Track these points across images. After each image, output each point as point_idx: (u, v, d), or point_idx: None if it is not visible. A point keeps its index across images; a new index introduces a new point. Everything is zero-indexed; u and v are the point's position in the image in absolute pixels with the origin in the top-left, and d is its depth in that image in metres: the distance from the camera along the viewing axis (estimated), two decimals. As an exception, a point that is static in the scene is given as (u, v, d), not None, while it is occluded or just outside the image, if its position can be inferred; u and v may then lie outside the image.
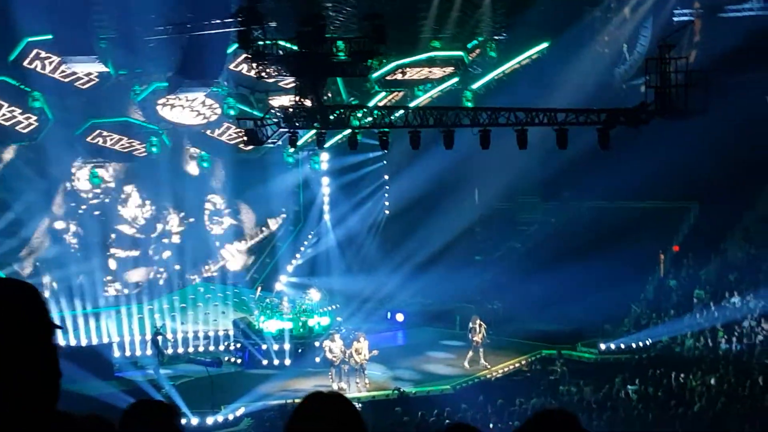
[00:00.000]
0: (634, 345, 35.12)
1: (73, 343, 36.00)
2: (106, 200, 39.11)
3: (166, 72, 34.45)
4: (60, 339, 27.86)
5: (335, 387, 31.26)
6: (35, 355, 3.20)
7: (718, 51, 38.48)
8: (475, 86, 39.39)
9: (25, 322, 3.19)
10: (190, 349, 37.71)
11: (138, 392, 29.31)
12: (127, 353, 36.64)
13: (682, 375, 31.30)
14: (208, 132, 38.87)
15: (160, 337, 35.10)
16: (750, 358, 32.16)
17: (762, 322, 33.78)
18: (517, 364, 35.16)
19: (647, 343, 35.00)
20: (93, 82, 35.09)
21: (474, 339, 34.31)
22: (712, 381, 30.51)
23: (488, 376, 33.84)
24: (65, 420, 4.85)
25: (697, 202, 42.53)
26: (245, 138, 29.81)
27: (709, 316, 35.54)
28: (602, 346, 35.34)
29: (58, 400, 3.24)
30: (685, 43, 38.33)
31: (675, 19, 40.28)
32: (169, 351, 36.34)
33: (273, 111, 29.49)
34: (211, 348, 37.85)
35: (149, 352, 35.52)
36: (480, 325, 34.46)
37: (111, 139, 37.22)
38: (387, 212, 45.91)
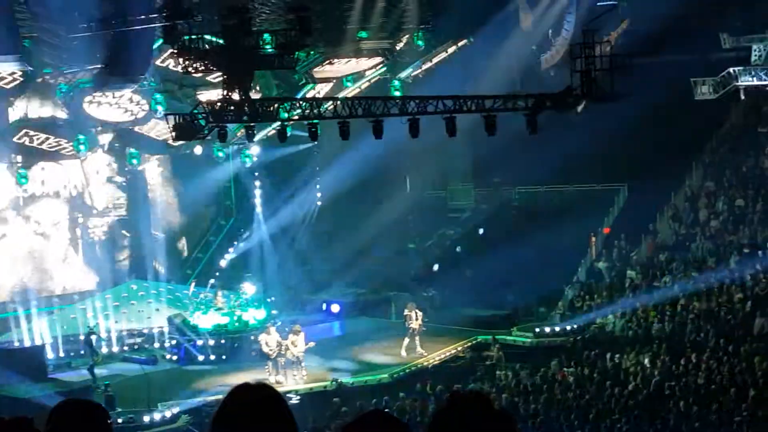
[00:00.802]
0: (568, 328, 35.46)
1: (4, 345, 35.50)
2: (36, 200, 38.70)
3: (92, 69, 34.06)
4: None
5: (272, 380, 31.15)
6: None
7: (641, 34, 38.97)
8: (402, 75, 39.53)
9: None
10: (125, 348, 37.39)
11: (72, 393, 28.99)
12: (61, 354, 36.23)
13: (617, 356, 31.71)
14: (137, 128, 38.52)
15: (93, 337, 34.77)
16: (682, 337, 32.65)
17: (693, 301, 34.28)
18: (453, 351, 35.33)
19: (581, 325, 35.36)
20: (17, 82, 34.58)
21: (410, 326, 34.39)
22: (646, 361, 30.95)
23: (425, 363, 33.97)
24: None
25: (626, 184, 43.02)
26: (175, 133, 29.61)
27: (641, 296, 35.99)
28: (537, 330, 35.64)
29: None
30: (609, 27, 38.70)
31: (599, 3, 40.65)
32: (104, 350, 36.00)
33: (201, 106, 29.31)
34: (146, 346, 37.57)
35: (83, 352, 35.15)
36: (416, 313, 34.58)
37: (38, 139, 36.76)
38: (319, 203, 45.88)
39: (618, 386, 28.69)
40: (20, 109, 36.41)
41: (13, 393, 28.42)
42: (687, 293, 34.79)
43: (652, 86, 35.44)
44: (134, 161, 39.78)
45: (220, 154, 42.21)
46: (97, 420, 4.83)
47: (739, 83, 40.98)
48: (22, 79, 34.45)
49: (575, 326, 35.38)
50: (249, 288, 37.76)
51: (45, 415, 4.93)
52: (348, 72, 38.57)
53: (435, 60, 40.07)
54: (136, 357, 36.00)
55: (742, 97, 41.95)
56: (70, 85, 35.71)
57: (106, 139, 39.03)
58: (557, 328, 35.65)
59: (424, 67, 39.99)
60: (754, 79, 41.15)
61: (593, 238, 41.55)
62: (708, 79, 41.63)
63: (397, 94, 37.43)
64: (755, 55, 41.47)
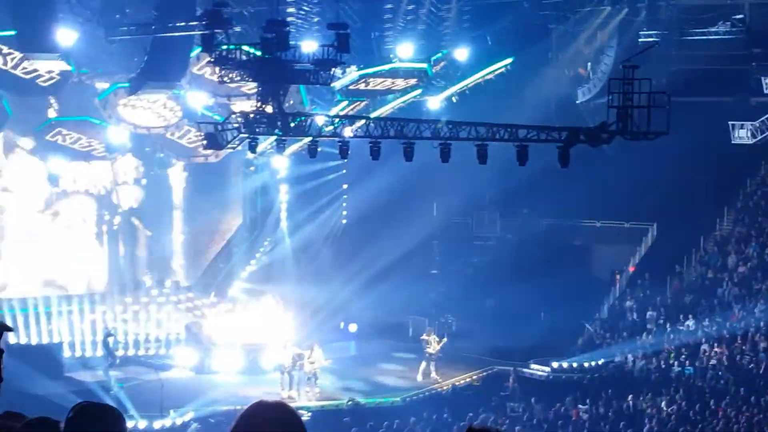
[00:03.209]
0: (586, 364, 35.20)
1: (23, 341, 35.61)
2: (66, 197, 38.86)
3: (129, 72, 34.21)
4: (10, 337, 27.56)
5: (285, 395, 31.13)
6: None
7: (682, 73, 38.77)
8: (437, 99, 39.50)
9: None
10: (141, 352, 37.43)
11: (87, 393, 29.08)
12: (78, 353, 36.33)
13: (633, 396, 31.43)
14: (168, 134, 38.61)
15: (111, 339, 34.80)
16: (702, 382, 32.33)
17: (715, 346, 33.98)
18: (468, 379, 35.19)
19: (599, 363, 35.09)
20: (54, 80, 34.79)
21: (427, 351, 34.29)
22: (663, 404, 30.65)
23: (439, 389, 33.81)
24: (9, 420, 4.74)
25: (655, 224, 42.71)
26: (205, 142, 29.65)
27: (662, 338, 35.72)
28: (554, 365, 35.40)
29: None
30: (649, 64, 38.55)
31: (640, 39, 40.50)
32: (120, 353, 36.02)
33: (234, 116, 29.34)
34: (162, 351, 37.59)
35: (100, 353, 35.20)
36: (434, 338, 34.47)
37: (71, 138, 36.91)
38: (344, 221, 45.84)
39: (632, 428, 28.41)
40: (56, 107, 36.67)
41: (30, 389, 28.45)
42: (710, 338, 34.45)
43: (690, 126, 35.20)
44: (162, 166, 39.85)
45: (252, 168, 42.32)
46: (115, 424, 4.78)
47: (778, 129, 40.69)
48: (59, 77, 34.65)
49: (593, 363, 35.12)
50: (268, 301, 37.69)
51: (57, 414, 4.87)
52: (382, 92, 38.57)
53: (470, 85, 39.98)
54: (151, 362, 36.05)
55: (780, 144, 41.63)
56: (106, 87, 35.94)
57: (136, 142, 39.13)
58: (575, 364, 35.40)
59: (459, 91, 39.92)
60: (794, 126, 40.86)
61: (618, 276, 41.29)
62: (746, 123, 41.36)
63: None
64: (796, 102, 41.18)
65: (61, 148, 36.79)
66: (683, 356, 34.23)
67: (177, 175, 41.40)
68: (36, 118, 36.38)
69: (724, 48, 40.02)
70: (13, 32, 31.93)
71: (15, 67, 33.84)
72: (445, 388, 34.05)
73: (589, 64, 42.40)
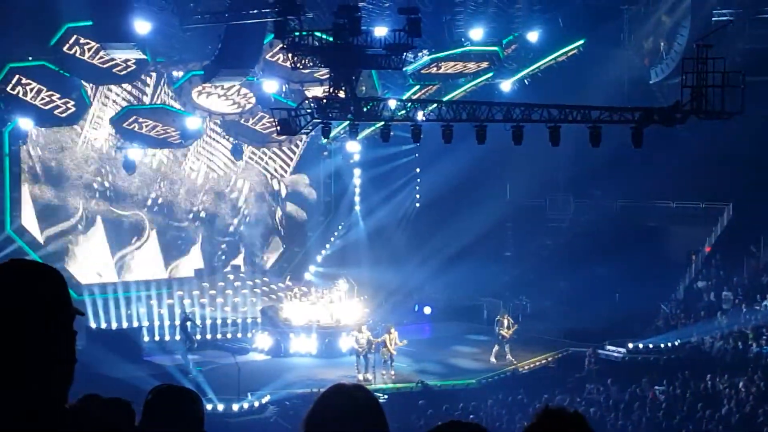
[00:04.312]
0: (662, 345, 34.96)
1: (103, 326, 36.29)
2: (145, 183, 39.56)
3: (203, 60, 34.61)
4: (91, 322, 28.17)
5: (360, 378, 31.35)
6: (52, 339, 3.17)
7: (756, 52, 38.21)
8: (509, 81, 39.39)
9: (43, 305, 3.17)
10: (219, 336, 37.90)
11: (165, 377, 29.47)
12: (156, 338, 36.93)
13: (710, 377, 31.19)
14: (242, 120, 39.01)
15: (189, 323, 35.32)
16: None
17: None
18: (543, 361, 35.13)
19: (676, 343, 34.84)
20: (130, 69, 35.32)
21: (501, 333, 34.32)
22: (741, 384, 30.38)
23: (514, 371, 33.82)
24: (86, 402, 4.95)
25: (731, 204, 42.20)
26: (278, 128, 29.91)
27: (739, 318, 35.36)
28: (630, 345, 35.18)
29: (70, 385, 3.28)
30: (723, 43, 38.10)
31: (714, 18, 39.98)
32: (198, 337, 36.53)
33: (307, 101, 29.56)
34: (239, 335, 38.04)
35: (178, 337, 35.73)
36: (508, 320, 34.50)
37: (147, 126, 37.41)
38: (417, 205, 45.96)
39: (710, 409, 28.21)
40: (132, 95, 37.34)
41: (110, 373, 29.01)
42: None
43: (764, 105, 34.76)
44: (238, 153, 40.26)
45: (325, 153, 42.64)
46: (193, 406, 4.94)
47: None
48: (135, 66, 35.16)
49: (670, 344, 34.86)
50: (343, 285, 37.94)
51: (137, 397, 5.06)
52: (454, 75, 38.52)
53: (542, 67, 39.77)
54: (228, 345, 36.48)
55: None
56: (181, 75, 36.44)
57: (211, 128, 39.61)
58: (651, 345, 35.15)
59: (531, 73, 39.74)
60: None
61: (694, 257, 40.91)
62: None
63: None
64: None
65: (138, 135, 37.34)
66: (762, 337, 33.86)
67: (253, 162, 41.86)
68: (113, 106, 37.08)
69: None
70: (89, 23, 32.46)
71: (92, 56, 34.41)
72: (520, 369, 34.05)
73: (662, 43, 41.95)
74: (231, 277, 40.28)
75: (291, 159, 42.44)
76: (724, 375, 31.33)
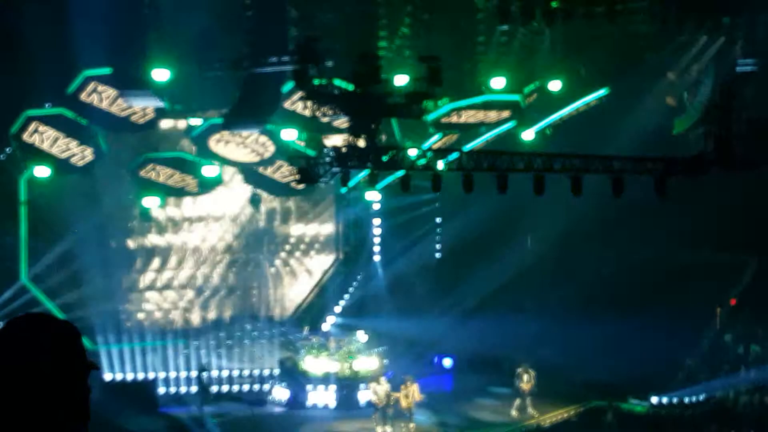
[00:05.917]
0: (687, 400, 34.35)
1: (118, 377, 35.93)
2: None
3: (222, 108, 34.50)
4: (106, 373, 27.91)
5: (380, 430, 30.91)
6: (66, 395, 3.10)
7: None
8: (531, 131, 39.09)
9: (58, 360, 3.11)
10: (235, 387, 37.50)
11: (181, 428, 29.12)
12: (172, 389, 36.53)
13: (736, 432, 30.63)
14: (261, 169, 38.76)
15: (205, 374, 34.91)
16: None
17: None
18: (565, 414, 34.56)
19: (701, 398, 34.23)
20: (148, 117, 35.22)
21: (521, 387, 33.82)
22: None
23: (536, 425, 33.25)
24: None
25: (757, 255, 41.65)
26: (298, 176, 29.69)
27: (765, 373, 34.76)
28: (654, 400, 34.58)
29: None
30: (747, 93, 37.73)
31: (738, 68, 39.61)
32: (214, 388, 36.10)
33: (326, 150, 29.34)
34: (256, 387, 37.63)
35: (194, 388, 35.32)
36: (529, 373, 33.99)
37: (164, 174, 37.26)
38: (438, 255, 45.56)
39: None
40: (150, 144, 37.18)
41: (125, 425, 28.65)
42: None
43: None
44: (254, 202, 40.01)
45: (344, 202, 42.35)
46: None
47: None
48: (153, 115, 35.06)
49: (694, 399, 34.25)
50: (362, 336, 37.52)
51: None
52: (475, 125, 38.26)
53: (564, 116, 39.47)
54: (245, 397, 36.09)
55: None
56: (199, 123, 36.32)
57: (229, 177, 39.37)
58: (675, 400, 34.54)
59: (553, 122, 39.46)
60: None
61: (719, 309, 40.33)
62: None
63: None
64: None
65: (155, 184, 37.13)
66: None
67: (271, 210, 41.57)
68: (130, 154, 36.86)
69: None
70: (108, 70, 32.42)
71: (110, 104, 34.35)
72: (542, 423, 33.48)
73: (686, 93, 41.61)
74: (248, 326, 39.89)
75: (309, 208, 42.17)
76: (750, 431, 30.71)
